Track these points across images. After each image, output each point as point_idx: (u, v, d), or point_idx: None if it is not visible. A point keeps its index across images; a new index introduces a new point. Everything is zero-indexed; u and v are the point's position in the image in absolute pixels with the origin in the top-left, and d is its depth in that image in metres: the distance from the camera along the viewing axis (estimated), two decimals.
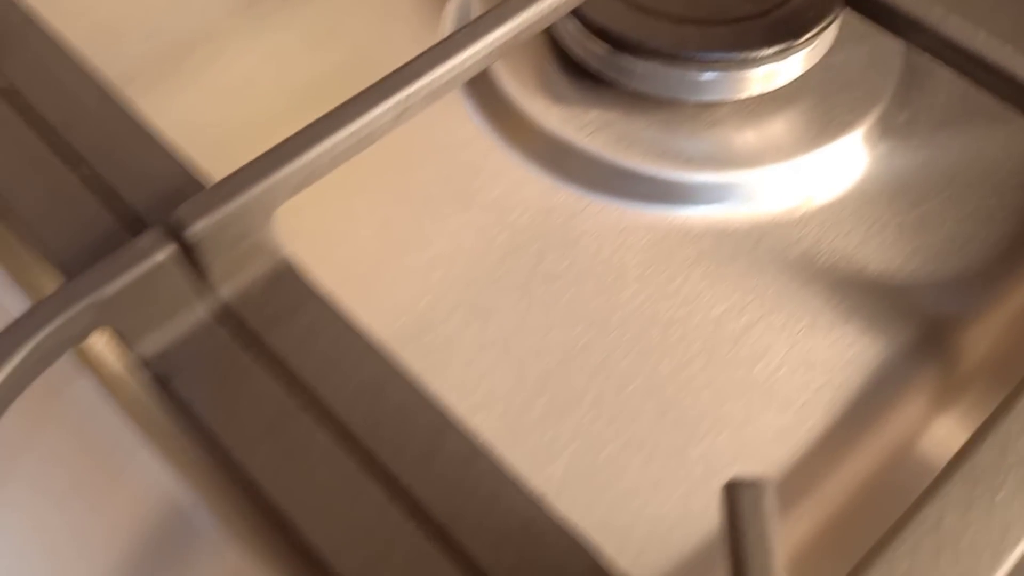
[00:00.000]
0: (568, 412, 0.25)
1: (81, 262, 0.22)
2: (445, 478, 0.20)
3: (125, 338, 0.21)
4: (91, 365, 0.24)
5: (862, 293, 0.27)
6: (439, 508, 0.20)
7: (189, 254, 0.21)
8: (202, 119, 0.29)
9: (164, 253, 0.21)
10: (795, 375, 0.25)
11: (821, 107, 0.29)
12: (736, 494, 0.18)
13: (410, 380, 0.21)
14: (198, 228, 0.21)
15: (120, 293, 0.20)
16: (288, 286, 0.23)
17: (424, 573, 0.19)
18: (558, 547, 0.20)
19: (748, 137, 0.29)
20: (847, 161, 0.29)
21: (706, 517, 0.23)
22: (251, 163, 0.22)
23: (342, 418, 0.21)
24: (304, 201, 0.23)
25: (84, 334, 0.20)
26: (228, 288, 0.22)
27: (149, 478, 0.23)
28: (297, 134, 0.22)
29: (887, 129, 0.30)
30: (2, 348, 0.19)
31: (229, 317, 0.22)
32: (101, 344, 0.24)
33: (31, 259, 0.25)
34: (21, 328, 0.19)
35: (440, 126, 0.29)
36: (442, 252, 0.27)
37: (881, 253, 0.27)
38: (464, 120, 0.29)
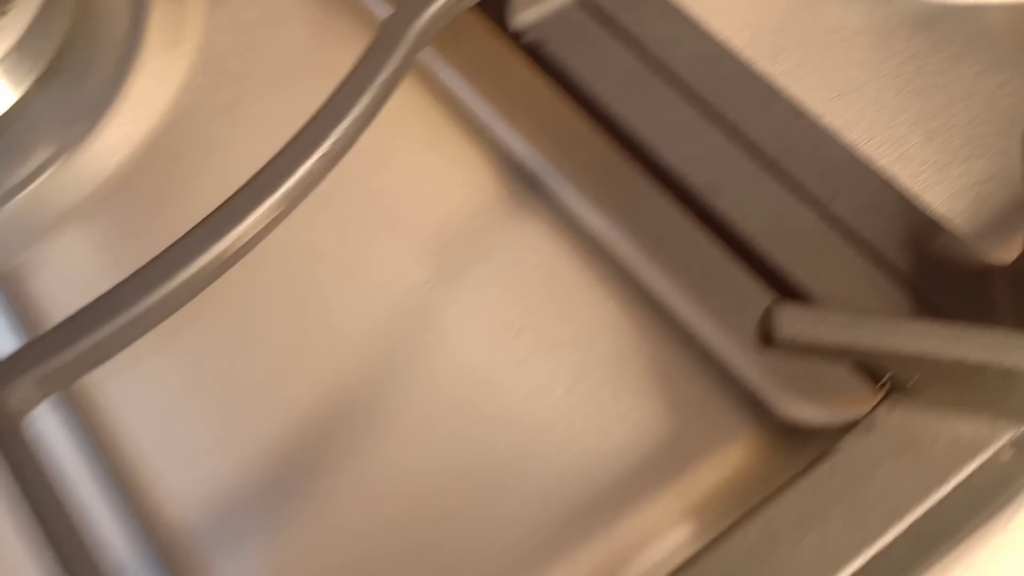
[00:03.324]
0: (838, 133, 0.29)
1: None
2: (775, 126, 0.25)
3: (511, 6, 0.26)
4: (450, 57, 0.29)
5: None
6: (771, 146, 0.24)
7: None
8: None
9: None
10: None
11: None
12: None
13: (739, 56, 0.26)
14: None
15: None
16: None
17: (759, 194, 0.24)
18: (873, 183, 0.24)
19: None
20: None
21: (966, 219, 0.27)
22: None
23: (685, 78, 0.25)
24: None
25: None
26: None
27: (501, 141, 0.28)
28: None
29: None
30: None
31: (588, 2, 0.27)
32: (459, 41, 0.29)
33: None
34: None
35: None
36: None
37: None
38: None
